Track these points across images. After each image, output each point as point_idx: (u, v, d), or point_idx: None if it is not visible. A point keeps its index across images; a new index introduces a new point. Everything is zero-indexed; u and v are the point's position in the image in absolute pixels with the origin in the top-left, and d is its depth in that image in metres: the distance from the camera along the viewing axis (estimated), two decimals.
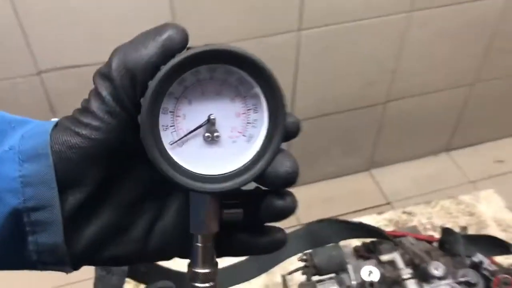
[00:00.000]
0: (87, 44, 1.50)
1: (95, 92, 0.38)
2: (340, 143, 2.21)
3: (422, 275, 0.90)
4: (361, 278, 0.89)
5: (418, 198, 2.12)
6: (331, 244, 1.17)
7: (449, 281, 0.88)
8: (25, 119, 0.42)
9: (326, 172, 2.29)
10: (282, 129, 0.40)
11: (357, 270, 1.09)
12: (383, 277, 0.88)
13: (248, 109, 0.40)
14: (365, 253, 1.23)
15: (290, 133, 0.41)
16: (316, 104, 1.99)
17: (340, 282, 1.09)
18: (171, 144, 0.39)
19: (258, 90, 0.40)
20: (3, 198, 0.37)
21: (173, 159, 0.39)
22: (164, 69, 0.36)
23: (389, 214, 1.70)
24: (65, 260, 0.40)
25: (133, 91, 0.38)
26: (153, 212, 0.43)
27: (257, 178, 0.40)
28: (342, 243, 1.21)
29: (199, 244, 0.42)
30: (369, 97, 2.06)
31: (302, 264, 1.17)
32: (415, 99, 2.14)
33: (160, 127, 0.38)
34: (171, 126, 0.39)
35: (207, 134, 0.40)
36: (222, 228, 0.43)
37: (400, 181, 2.33)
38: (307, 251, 1.16)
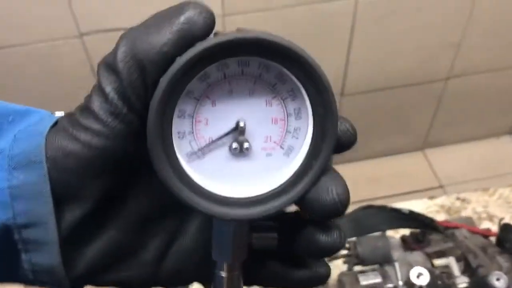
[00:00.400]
0: (130, 6, 1.44)
1: (98, 87, 0.31)
2: (392, 120, 2.09)
3: (481, 285, 0.80)
4: (409, 279, 0.80)
5: (475, 183, 1.98)
6: (376, 234, 1.10)
7: None
8: (28, 109, 0.36)
9: (375, 150, 2.17)
10: (332, 141, 0.31)
11: (404, 265, 1.00)
12: (433, 282, 0.79)
13: (289, 115, 0.32)
14: (414, 244, 1.14)
15: (342, 144, 0.33)
16: (369, 78, 1.87)
17: (384, 275, 1.01)
18: (188, 156, 0.31)
19: (302, 91, 0.31)
20: None
21: (190, 176, 0.31)
22: (180, 61, 0.28)
23: (441, 200, 1.59)
24: (63, 283, 0.34)
25: (143, 87, 0.30)
26: (169, 232, 0.36)
27: (296, 204, 0.32)
28: (388, 232, 1.12)
29: (223, 275, 0.34)
30: (429, 73, 1.91)
31: (344, 252, 1.11)
32: (480, 77, 1.97)
33: (175, 135, 0.30)
34: (189, 133, 0.31)
35: (234, 145, 0.32)
36: (252, 254, 0.35)
37: (455, 163, 2.18)
38: (351, 239, 1.09)
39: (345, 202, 0.31)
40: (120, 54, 0.30)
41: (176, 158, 0.30)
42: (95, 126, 0.31)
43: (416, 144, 2.22)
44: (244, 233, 0.34)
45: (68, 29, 1.43)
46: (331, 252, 0.33)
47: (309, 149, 0.32)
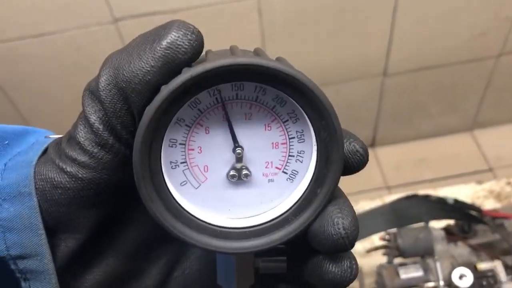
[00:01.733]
0: None
1: (83, 116, 0.29)
2: (439, 99, 1.99)
3: None
4: (451, 279, 0.76)
5: None
6: (418, 225, 1.05)
7: None
8: (25, 130, 0.35)
9: (420, 130, 2.09)
10: (338, 168, 0.28)
11: (446, 258, 0.95)
12: (478, 284, 0.74)
13: (291, 138, 0.29)
14: (458, 235, 1.09)
15: (350, 167, 0.30)
16: (415, 56, 1.78)
17: (425, 269, 0.97)
18: (182, 186, 0.29)
19: (303, 114, 0.28)
20: None
21: (184, 208, 0.29)
22: (165, 91, 0.26)
23: (490, 185, 1.51)
24: None
25: (128, 116, 0.29)
26: (170, 257, 0.35)
27: (300, 236, 0.29)
28: (431, 223, 1.08)
29: None
30: (479, 49, 1.80)
31: (383, 243, 1.07)
32: None
33: (167, 165, 0.29)
34: (182, 162, 0.29)
35: (232, 172, 0.29)
36: (261, 277, 0.33)
37: (506, 145, 2.07)
38: (391, 230, 1.05)
39: (352, 237, 0.28)
40: (102, 83, 0.28)
41: (167, 190, 0.29)
42: (81, 157, 0.29)
43: (464, 125, 2.12)
44: (248, 260, 0.32)
45: (102, 15, 1.43)
46: (341, 285, 0.30)
47: (313, 175, 0.29)
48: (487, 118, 2.10)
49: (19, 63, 1.54)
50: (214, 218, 0.30)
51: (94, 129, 0.29)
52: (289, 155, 0.30)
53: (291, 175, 0.30)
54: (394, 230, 1.04)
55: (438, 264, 0.82)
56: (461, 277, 0.75)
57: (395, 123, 2.04)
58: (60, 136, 0.34)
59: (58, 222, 0.31)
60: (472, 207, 1.12)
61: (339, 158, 0.28)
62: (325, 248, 0.29)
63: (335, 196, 0.29)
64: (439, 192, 1.39)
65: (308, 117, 0.28)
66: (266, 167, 0.30)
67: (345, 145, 0.30)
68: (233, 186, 0.30)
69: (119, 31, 1.47)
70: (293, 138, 0.29)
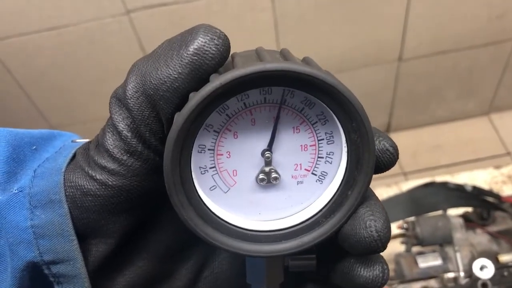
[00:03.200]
0: None
1: (111, 123, 0.29)
2: (456, 84, 1.96)
3: None
4: (471, 269, 0.75)
5: None
6: (437, 213, 1.04)
7: None
8: (51, 134, 0.35)
9: (437, 115, 2.06)
10: (369, 170, 0.28)
11: (466, 246, 0.95)
12: (499, 275, 0.73)
13: (320, 140, 0.29)
14: (477, 222, 1.08)
15: (380, 166, 0.29)
16: (430, 41, 1.75)
17: (444, 257, 0.96)
18: (212, 191, 0.29)
19: (333, 116, 0.27)
20: (15, 251, 0.31)
21: (214, 213, 0.29)
22: (195, 99, 0.25)
23: (509, 169, 1.49)
24: None
25: (157, 123, 0.28)
26: (199, 259, 0.35)
27: (330, 238, 0.29)
28: (449, 211, 1.07)
29: None
30: (496, 33, 1.77)
31: (401, 232, 1.06)
32: None
33: (196, 170, 0.28)
34: (211, 168, 0.29)
35: (261, 176, 0.29)
36: (292, 276, 0.33)
37: None
38: (409, 218, 1.04)
39: (385, 239, 0.28)
40: (130, 90, 0.28)
41: (198, 195, 0.28)
42: (111, 165, 0.29)
43: (481, 109, 2.09)
44: (278, 261, 0.32)
45: (115, 7, 1.43)
46: (374, 286, 0.30)
47: (343, 177, 0.29)
48: (504, 102, 2.07)
49: (34, 56, 1.56)
50: (244, 222, 0.30)
51: (122, 137, 0.29)
52: (318, 157, 0.29)
53: (320, 177, 0.30)
54: (412, 218, 1.04)
55: (458, 255, 0.82)
56: (482, 268, 0.74)
57: (411, 109, 2.01)
58: (87, 140, 0.34)
59: (89, 228, 0.31)
60: (490, 193, 1.10)
61: (371, 159, 0.28)
62: (357, 250, 0.28)
63: (366, 197, 0.29)
64: (456, 178, 1.37)
65: (338, 119, 0.28)
66: (295, 170, 0.30)
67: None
68: (263, 189, 0.30)
69: (132, 22, 1.46)
70: (322, 139, 0.29)
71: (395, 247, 1.06)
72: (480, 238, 1.01)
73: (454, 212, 1.09)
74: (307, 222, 0.29)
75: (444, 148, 2.01)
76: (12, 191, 0.31)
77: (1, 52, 1.52)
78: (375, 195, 0.30)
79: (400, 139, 2.07)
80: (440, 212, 1.04)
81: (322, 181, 0.30)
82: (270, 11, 1.51)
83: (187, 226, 0.28)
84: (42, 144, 0.34)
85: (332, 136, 0.29)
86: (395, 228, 1.08)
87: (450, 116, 2.08)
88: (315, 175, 0.30)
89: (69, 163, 0.32)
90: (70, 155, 0.32)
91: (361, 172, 0.28)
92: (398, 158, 0.30)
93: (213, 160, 0.29)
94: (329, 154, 0.29)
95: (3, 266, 0.32)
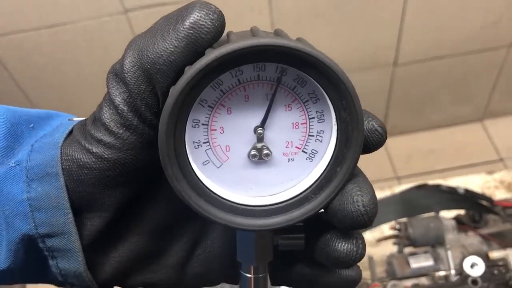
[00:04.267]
0: None
1: (108, 98, 0.30)
2: (450, 89, 1.98)
3: None
4: (462, 267, 0.76)
5: None
6: (429, 215, 1.05)
7: None
8: (49, 114, 0.36)
9: (431, 120, 2.08)
10: (357, 148, 0.28)
11: (457, 247, 0.96)
12: (489, 273, 0.74)
13: (311, 118, 0.29)
14: (469, 224, 1.09)
15: (369, 145, 0.30)
16: (425, 46, 1.77)
17: (436, 258, 0.97)
18: (205, 165, 0.30)
19: (324, 94, 0.28)
20: (10, 224, 0.32)
21: (207, 186, 0.29)
22: (190, 72, 0.26)
23: (501, 175, 1.51)
24: (91, 285, 0.35)
25: (153, 97, 0.29)
26: (192, 235, 0.36)
27: (319, 213, 0.30)
28: (442, 212, 1.08)
29: (249, 275, 0.33)
30: (491, 39, 1.79)
31: (394, 233, 1.07)
32: None
33: (190, 145, 0.29)
34: (204, 142, 0.29)
35: (253, 152, 0.30)
36: (280, 255, 0.34)
37: None
38: (402, 219, 1.06)
39: (372, 213, 0.29)
40: (127, 65, 0.29)
41: (191, 169, 0.29)
42: (107, 138, 0.30)
43: (474, 115, 2.11)
44: (268, 237, 0.33)
45: (113, 6, 1.44)
46: (346, 261, 0.31)
47: (333, 154, 0.29)
48: (498, 108, 2.08)
49: (32, 53, 1.56)
50: (236, 197, 0.30)
51: (119, 111, 0.29)
52: (309, 135, 0.30)
53: (310, 155, 0.30)
54: (404, 219, 1.05)
55: (449, 253, 0.83)
56: (472, 265, 0.75)
57: (405, 113, 2.03)
58: (84, 118, 0.35)
59: (84, 202, 0.32)
60: (483, 197, 1.12)
61: (359, 137, 0.28)
62: (344, 225, 0.29)
63: (355, 174, 0.30)
64: (449, 182, 1.39)
65: (328, 97, 0.28)
66: (286, 147, 0.30)
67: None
68: (254, 165, 0.30)
69: (129, 21, 1.47)
70: (313, 118, 0.30)
71: (388, 248, 1.07)
72: (472, 239, 1.03)
73: (447, 214, 1.10)
74: (296, 198, 0.30)
75: (438, 153, 2.03)
76: (9, 164, 0.32)
77: None
78: (363, 173, 0.31)
79: (394, 143, 2.08)
80: (432, 214, 1.05)
81: (312, 159, 0.30)
82: (267, 14, 1.53)
83: (181, 198, 0.29)
84: (39, 122, 0.35)
85: (322, 114, 0.29)
86: (387, 229, 1.09)
87: (445, 121, 2.10)
88: (306, 153, 0.30)
89: (66, 138, 0.32)
90: (67, 131, 0.33)
91: (350, 150, 0.29)
92: (386, 138, 0.30)
93: (207, 135, 0.29)
94: (320, 133, 0.30)
95: None
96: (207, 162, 0.30)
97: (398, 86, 1.87)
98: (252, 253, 0.32)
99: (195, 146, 0.29)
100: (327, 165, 0.30)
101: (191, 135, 0.29)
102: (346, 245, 0.30)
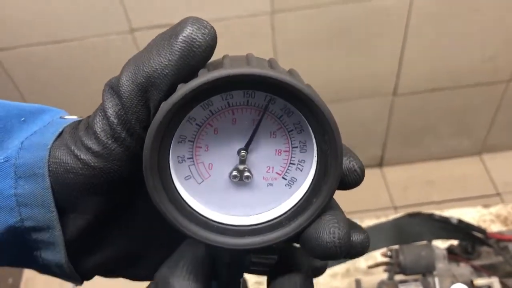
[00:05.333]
0: (179, 3, 1.46)
1: (102, 108, 0.32)
2: (449, 122, 2.00)
3: None
4: None
5: None
6: (421, 243, 1.05)
7: None
8: (41, 109, 0.37)
9: (429, 152, 2.09)
10: (334, 182, 0.30)
11: (447, 277, 0.96)
12: None
13: (294, 147, 0.31)
14: (462, 255, 1.09)
15: (346, 183, 0.32)
16: (425, 78, 1.79)
17: (426, 286, 0.97)
18: (186, 181, 0.31)
19: (307, 124, 0.30)
20: None
21: (186, 202, 0.31)
22: (182, 90, 0.27)
23: (497, 209, 1.50)
24: (73, 277, 0.36)
25: (144, 111, 0.31)
26: (172, 245, 0.36)
27: (294, 240, 0.31)
28: (435, 242, 1.08)
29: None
30: (490, 73, 1.81)
31: (385, 260, 1.07)
32: None
33: (174, 159, 0.30)
34: (189, 158, 0.30)
35: (234, 173, 0.31)
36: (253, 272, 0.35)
37: None
38: (393, 246, 1.05)
39: (344, 248, 0.29)
40: (123, 79, 0.30)
41: (172, 183, 0.30)
42: (96, 147, 0.31)
43: (473, 148, 2.13)
44: (240, 256, 0.34)
45: (120, 25, 1.47)
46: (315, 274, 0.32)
47: (311, 184, 0.30)
48: (497, 142, 2.10)
49: (39, 68, 1.59)
50: (213, 214, 0.31)
51: (110, 122, 0.31)
52: (290, 163, 0.31)
53: (290, 182, 0.31)
54: (396, 246, 1.05)
55: (436, 280, 0.83)
56: None
57: (404, 143, 2.04)
58: (75, 118, 0.36)
59: (68, 203, 0.33)
60: (476, 228, 1.12)
61: (337, 173, 0.29)
62: (316, 253, 0.30)
63: (332, 207, 0.31)
64: (445, 214, 1.39)
65: (312, 130, 0.29)
66: (267, 171, 0.31)
67: (344, 162, 0.31)
68: (234, 186, 0.31)
69: (135, 40, 1.51)
70: (296, 147, 0.31)
71: (378, 275, 1.07)
72: (463, 270, 1.02)
73: (440, 244, 1.10)
74: (272, 222, 0.31)
75: (435, 184, 2.03)
76: None
77: (6, 62, 1.56)
78: (340, 208, 0.32)
79: (392, 173, 2.09)
80: (424, 242, 1.05)
81: (291, 186, 0.31)
82: (269, 39, 1.56)
83: (158, 209, 0.30)
84: (30, 117, 0.36)
85: (305, 145, 0.30)
86: (379, 255, 1.09)
87: (443, 153, 2.11)
88: (285, 179, 0.31)
89: (55, 140, 0.33)
90: (58, 132, 0.34)
91: (327, 183, 0.30)
92: (363, 179, 0.32)
93: (192, 151, 0.30)
94: (301, 162, 0.31)
95: None
96: (189, 177, 0.31)
97: (397, 115, 1.89)
98: (224, 270, 0.34)
99: (179, 160, 0.30)
100: (304, 194, 0.31)
101: (176, 150, 0.30)
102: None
